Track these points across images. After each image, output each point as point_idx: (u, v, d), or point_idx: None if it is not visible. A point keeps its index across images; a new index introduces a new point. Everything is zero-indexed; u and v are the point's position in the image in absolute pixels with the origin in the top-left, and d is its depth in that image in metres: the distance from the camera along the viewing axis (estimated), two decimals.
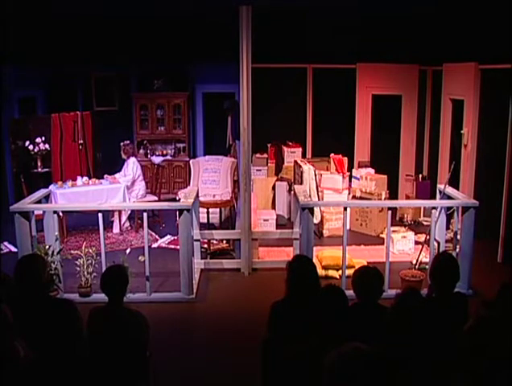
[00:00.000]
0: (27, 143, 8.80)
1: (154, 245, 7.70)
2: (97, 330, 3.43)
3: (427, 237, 6.50)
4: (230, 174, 8.63)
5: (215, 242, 7.33)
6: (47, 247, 5.76)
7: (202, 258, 6.88)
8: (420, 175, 9.04)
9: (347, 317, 2.92)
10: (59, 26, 8.50)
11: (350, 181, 8.64)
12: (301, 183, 8.17)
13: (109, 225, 8.11)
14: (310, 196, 7.03)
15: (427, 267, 6.04)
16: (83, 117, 9.54)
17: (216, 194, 8.00)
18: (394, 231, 7.18)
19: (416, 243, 7.36)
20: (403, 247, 7.34)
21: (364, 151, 9.50)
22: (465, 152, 7.87)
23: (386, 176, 8.45)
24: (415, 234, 7.60)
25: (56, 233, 5.93)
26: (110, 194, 8.05)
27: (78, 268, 5.84)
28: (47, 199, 6.40)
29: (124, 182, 8.27)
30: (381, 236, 7.88)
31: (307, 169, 8.21)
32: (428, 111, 9.21)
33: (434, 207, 6.25)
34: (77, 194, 7.87)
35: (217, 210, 7.62)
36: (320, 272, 6.08)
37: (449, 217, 6.57)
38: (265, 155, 9.28)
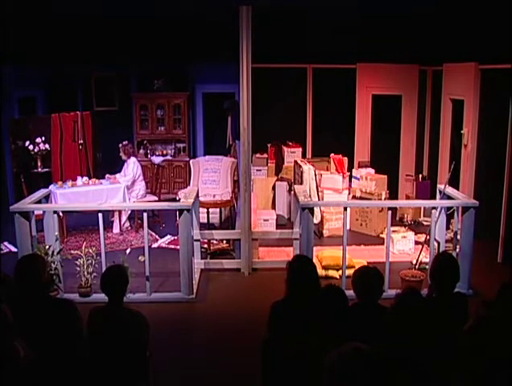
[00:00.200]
0: (27, 143, 8.80)
1: (155, 245, 7.70)
2: (97, 330, 3.43)
3: (427, 237, 6.50)
4: (230, 174, 8.63)
5: (215, 242, 7.33)
6: (47, 247, 5.76)
7: (202, 258, 6.88)
8: (420, 175, 9.04)
9: (347, 317, 2.92)
10: (59, 26, 8.50)
11: (350, 181, 8.64)
12: (301, 183, 8.17)
13: (109, 225, 8.11)
14: (310, 196, 7.03)
15: (427, 267, 6.04)
16: (83, 117, 9.54)
17: (216, 194, 8.00)
18: (394, 231, 7.18)
19: (416, 243, 7.36)
20: (403, 247, 7.34)
21: (364, 151, 9.50)
22: (465, 152, 7.87)
23: (386, 176, 8.45)
24: (415, 234, 7.60)
25: (56, 233, 5.93)
26: (110, 194, 8.05)
27: (78, 268, 5.84)
28: (47, 199, 6.40)
29: (124, 182, 8.27)
30: (381, 236, 7.88)
31: (307, 169, 8.21)
32: (428, 111, 9.21)
33: (434, 207, 6.25)
34: (77, 194, 7.88)
35: (217, 210, 7.62)
36: (320, 272, 6.08)
37: (449, 217, 6.57)
38: (265, 155, 9.28)
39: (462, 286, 5.23)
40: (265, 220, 7.87)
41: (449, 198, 6.23)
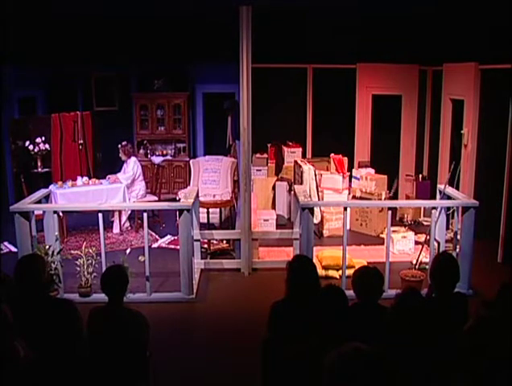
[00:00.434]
0: (27, 143, 8.80)
1: (155, 245, 7.70)
2: (97, 330, 3.43)
3: (427, 237, 6.50)
4: (230, 174, 8.63)
5: (215, 242, 7.33)
6: (47, 247, 5.77)
7: (202, 258, 6.88)
8: (420, 175, 9.04)
9: (347, 317, 2.92)
10: (59, 26, 8.50)
11: (350, 181, 8.64)
12: (301, 183, 8.17)
13: (109, 225, 8.10)
14: (310, 196, 7.03)
15: (427, 267, 6.04)
16: (83, 116, 9.54)
17: (216, 194, 8.00)
18: (394, 231, 7.17)
19: (416, 243, 7.36)
20: (403, 247, 7.34)
21: (364, 151, 9.50)
22: (465, 152, 7.87)
23: (386, 176, 8.45)
24: (415, 234, 7.60)
25: (56, 233, 5.93)
26: (110, 194, 8.05)
27: (78, 268, 5.84)
28: (47, 199, 6.41)
29: (124, 180, 8.27)
30: (381, 236, 7.88)
31: (307, 169, 8.21)
32: (428, 111, 9.21)
33: (434, 207, 6.25)
34: (77, 194, 7.88)
35: (217, 210, 7.62)
36: (320, 272, 6.08)
37: (449, 217, 6.57)
38: (265, 155, 9.28)
39: (462, 286, 5.23)
40: (265, 220, 7.87)
41: (449, 198, 6.23)
